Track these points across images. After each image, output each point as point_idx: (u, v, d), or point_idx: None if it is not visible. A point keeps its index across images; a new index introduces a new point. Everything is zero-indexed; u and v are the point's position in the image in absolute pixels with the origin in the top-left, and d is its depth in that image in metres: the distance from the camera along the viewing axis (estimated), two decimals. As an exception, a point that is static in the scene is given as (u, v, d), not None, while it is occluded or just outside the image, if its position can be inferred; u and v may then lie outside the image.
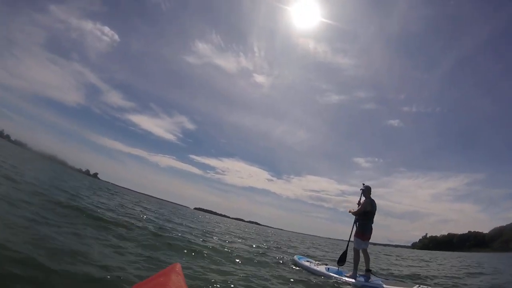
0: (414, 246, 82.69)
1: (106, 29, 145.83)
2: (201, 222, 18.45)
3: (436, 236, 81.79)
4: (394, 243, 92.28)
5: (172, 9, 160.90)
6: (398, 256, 17.79)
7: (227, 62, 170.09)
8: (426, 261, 14.73)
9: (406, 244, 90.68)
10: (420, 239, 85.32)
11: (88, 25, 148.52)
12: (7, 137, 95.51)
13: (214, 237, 9.04)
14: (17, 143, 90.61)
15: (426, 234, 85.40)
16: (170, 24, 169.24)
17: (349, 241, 6.13)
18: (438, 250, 57.32)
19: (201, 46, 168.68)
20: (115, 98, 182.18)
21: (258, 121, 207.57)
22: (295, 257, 6.93)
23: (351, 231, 6.03)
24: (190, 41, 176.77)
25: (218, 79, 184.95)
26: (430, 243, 77.71)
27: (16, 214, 4.12)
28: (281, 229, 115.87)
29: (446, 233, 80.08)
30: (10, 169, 10.07)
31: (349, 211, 6.10)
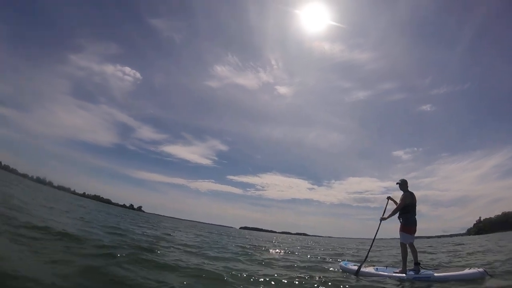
0: (470, 232, 76.79)
1: (127, 69, 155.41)
2: (251, 241, 17.85)
3: (490, 218, 75.49)
4: (448, 233, 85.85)
5: (185, 39, 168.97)
6: (459, 244, 16.49)
7: (248, 80, 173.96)
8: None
9: (461, 232, 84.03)
10: (474, 224, 79.14)
11: (109, 68, 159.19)
12: (50, 184, 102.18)
13: (271, 258, 8.57)
14: (60, 188, 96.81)
15: (480, 217, 79.12)
16: (186, 53, 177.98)
17: (374, 238, 6.69)
18: (495, 232, 53.00)
19: (220, 69, 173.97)
20: (147, 132, 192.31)
21: (289, 131, 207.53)
22: (342, 263, 6.87)
23: (377, 230, 6.41)
24: (208, 66, 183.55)
25: (242, 98, 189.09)
26: (485, 227, 71.84)
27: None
28: (330, 237, 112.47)
29: (500, 213, 73.76)
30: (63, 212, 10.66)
31: (383, 218, 6.10)
